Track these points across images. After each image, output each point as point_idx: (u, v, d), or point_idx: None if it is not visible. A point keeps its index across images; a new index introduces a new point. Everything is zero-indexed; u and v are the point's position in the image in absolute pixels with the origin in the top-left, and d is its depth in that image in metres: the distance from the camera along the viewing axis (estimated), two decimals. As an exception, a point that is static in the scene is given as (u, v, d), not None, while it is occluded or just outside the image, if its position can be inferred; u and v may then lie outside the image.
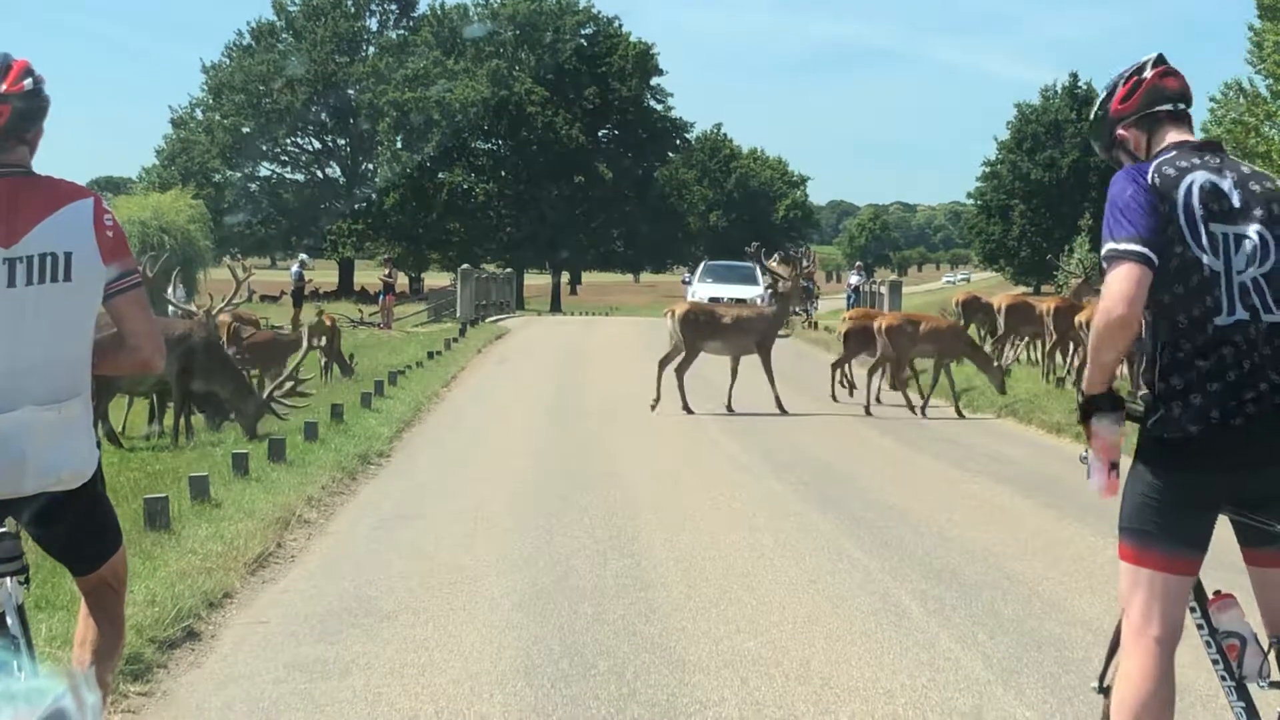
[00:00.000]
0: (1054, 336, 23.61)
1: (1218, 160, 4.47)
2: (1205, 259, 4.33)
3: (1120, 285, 4.24)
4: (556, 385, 24.01)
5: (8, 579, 4.45)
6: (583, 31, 79.79)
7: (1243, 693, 4.44)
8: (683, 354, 20.25)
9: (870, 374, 20.89)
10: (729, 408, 19.63)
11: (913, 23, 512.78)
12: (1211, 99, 43.22)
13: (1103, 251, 4.30)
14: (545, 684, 6.76)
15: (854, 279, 51.40)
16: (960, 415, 19.74)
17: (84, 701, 3.38)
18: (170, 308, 21.05)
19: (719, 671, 7.00)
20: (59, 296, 4.37)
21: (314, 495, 11.88)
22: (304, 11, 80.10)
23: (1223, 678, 4.50)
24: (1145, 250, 4.26)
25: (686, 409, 19.39)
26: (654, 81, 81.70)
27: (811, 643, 7.56)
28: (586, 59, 78.35)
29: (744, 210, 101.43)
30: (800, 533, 10.76)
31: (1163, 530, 4.34)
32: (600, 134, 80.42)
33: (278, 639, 7.61)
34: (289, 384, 17.97)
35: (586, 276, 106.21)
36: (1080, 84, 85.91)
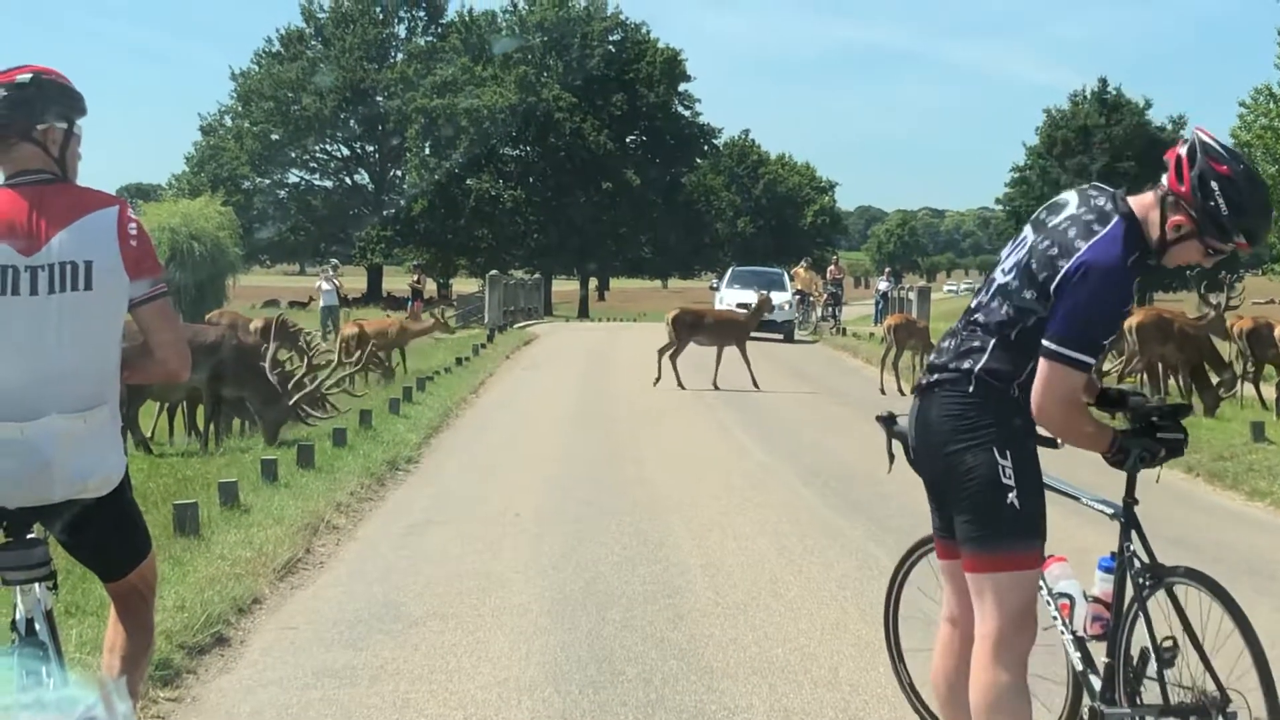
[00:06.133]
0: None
1: None
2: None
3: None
4: (584, 391, 24.00)
5: (36, 585, 4.47)
6: (610, 38, 79.71)
7: (1079, 644, 5.10)
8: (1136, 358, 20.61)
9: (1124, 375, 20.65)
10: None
11: (940, 27, 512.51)
12: (1241, 104, 43.06)
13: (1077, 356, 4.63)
14: (573, 690, 6.76)
15: (882, 285, 51.35)
16: None
17: (115, 710, 3.38)
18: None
19: (747, 678, 6.99)
20: (81, 305, 4.38)
21: (343, 501, 11.90)
22: (333, 19, 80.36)
23: (1061, 632, 5.12)
24: None
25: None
26: (682, 87, 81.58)
27: (840, 649, 7.55)
28: (614, 65, 78.32)
29: (772, 216, 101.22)
30: (828, 539, 10.74)
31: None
32: (628, 140, 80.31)
33: (306, 645, 7.63)
34: (317, 394, 18.04)
35: (614, 283, 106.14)
36: (1109, 89, 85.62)
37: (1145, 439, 4.92)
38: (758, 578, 9.31)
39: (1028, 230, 4.90)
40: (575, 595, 8.73)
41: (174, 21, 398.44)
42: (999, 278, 4.88)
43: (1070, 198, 4.87)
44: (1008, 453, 4.72)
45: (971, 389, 4.75)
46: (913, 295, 43.98)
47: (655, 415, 19.77)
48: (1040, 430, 4.84)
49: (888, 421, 5.31)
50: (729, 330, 24.91)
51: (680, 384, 23.26)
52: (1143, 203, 4.75)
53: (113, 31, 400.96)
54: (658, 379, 23.49)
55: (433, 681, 6.93)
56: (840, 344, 37.82)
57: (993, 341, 4.76)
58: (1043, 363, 4.63)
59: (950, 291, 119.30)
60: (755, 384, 23.46)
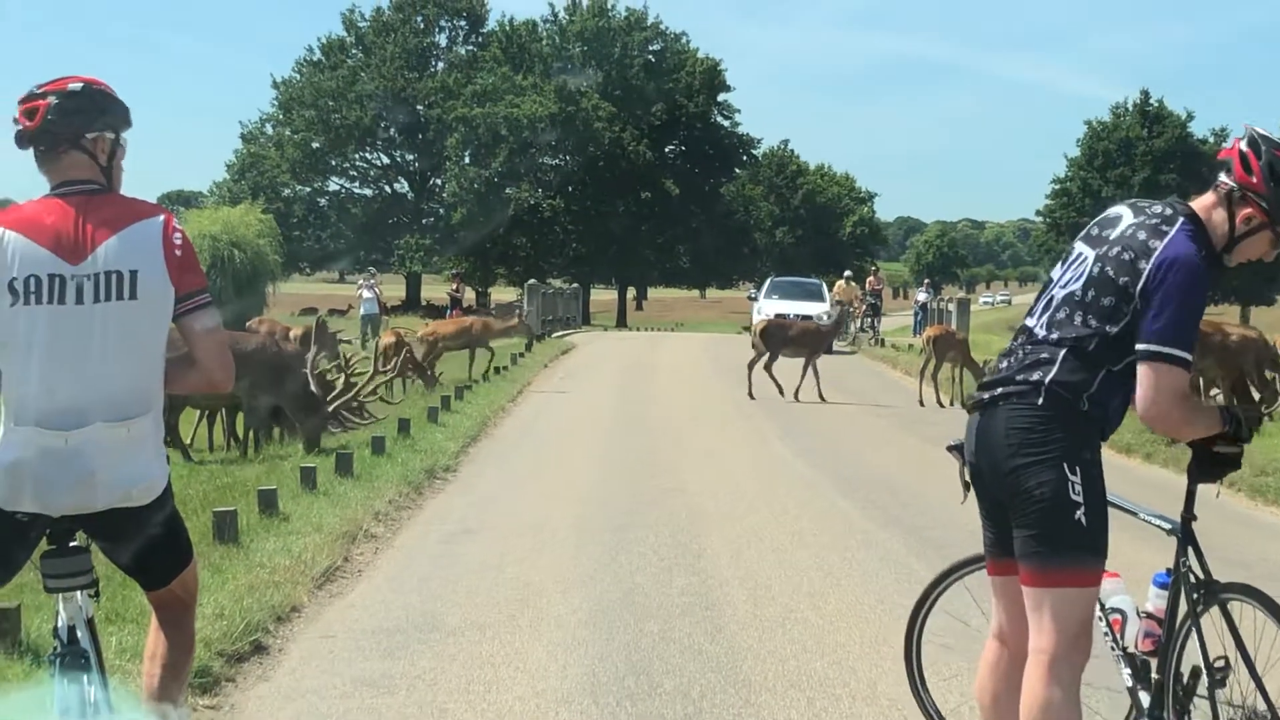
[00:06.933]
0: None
1: None
2: None
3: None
4: (622, 401, 24.00)
5: (78, 592, 4.50)
6: (650, 48, 79.77)
7: (1130, 660, 5.14)
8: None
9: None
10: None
11: (980, 38, 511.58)
12: (1286, 116, 42.77)
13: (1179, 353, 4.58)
14: (611, 702, 6.75)
15: (921, 296, 51.15)
16: None
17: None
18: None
19: (785, 692, 6.97)
20: (126, 314, 4.40)
21: (381, 510, 11.91)
22: (374, 28, 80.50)
23: (1111, 648, 5.17)
24: None
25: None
26: (721, 97, 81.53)
27: (879, 663, 7.51)
28: (654, 75, 78.32)
29: (811, 226, 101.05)
30: (867, 551, 10.70)
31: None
32: (667, 150, 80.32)
33: (344, 654, 7.64)
34: (357, 403, 18.08)
35: (652, 292, 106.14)
36: (1151, 102, 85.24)
37: (1240, 407, 4.92)
38: (796, 590, 9.28)
39: (1081, 246, 4.87)
40: (613, 606, 8.72)
41: (216, 30, 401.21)
42: (1059, 292, 4.84)
43: (1123, 210, 4.85)
44: (1077, 469, 4.66)
45: (1041, 401, 4.70)
46: (952, 307, 43.82)
47: (693, 426, 19.75)
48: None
49: (961, 451, 5.17)
50: (812, 340, 25.29)
51: (750, 394, 23.50)
52: (1203, 204, 4.77)
53: (155, 40, 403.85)
54: (750, 391, 23.77)
55: (470, 692, 6.92)
56: (879, 355, 37.72)
57: (1063, 353, 4.72)
58: (1145, 368, 4.58)
59: (986, 303, 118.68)
60: (796, 395, 23.55)
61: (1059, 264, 4.98)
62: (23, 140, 4.53)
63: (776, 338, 24.79)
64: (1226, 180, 4.73)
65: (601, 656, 7.57)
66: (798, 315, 38.73)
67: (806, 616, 8.56)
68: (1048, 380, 4.71)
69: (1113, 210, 4.92)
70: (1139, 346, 4.59)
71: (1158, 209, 4.76)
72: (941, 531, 11.53)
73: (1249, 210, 4.69)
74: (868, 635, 8.12)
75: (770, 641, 7.95)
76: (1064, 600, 4.69)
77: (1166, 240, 4.62)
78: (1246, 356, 20.65)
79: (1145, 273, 4.59)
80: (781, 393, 23.43)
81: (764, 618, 8.51)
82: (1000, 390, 4.82)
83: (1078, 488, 4.65)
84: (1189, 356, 4.59)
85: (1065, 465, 4.65)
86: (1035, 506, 4.67)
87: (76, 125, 4.52)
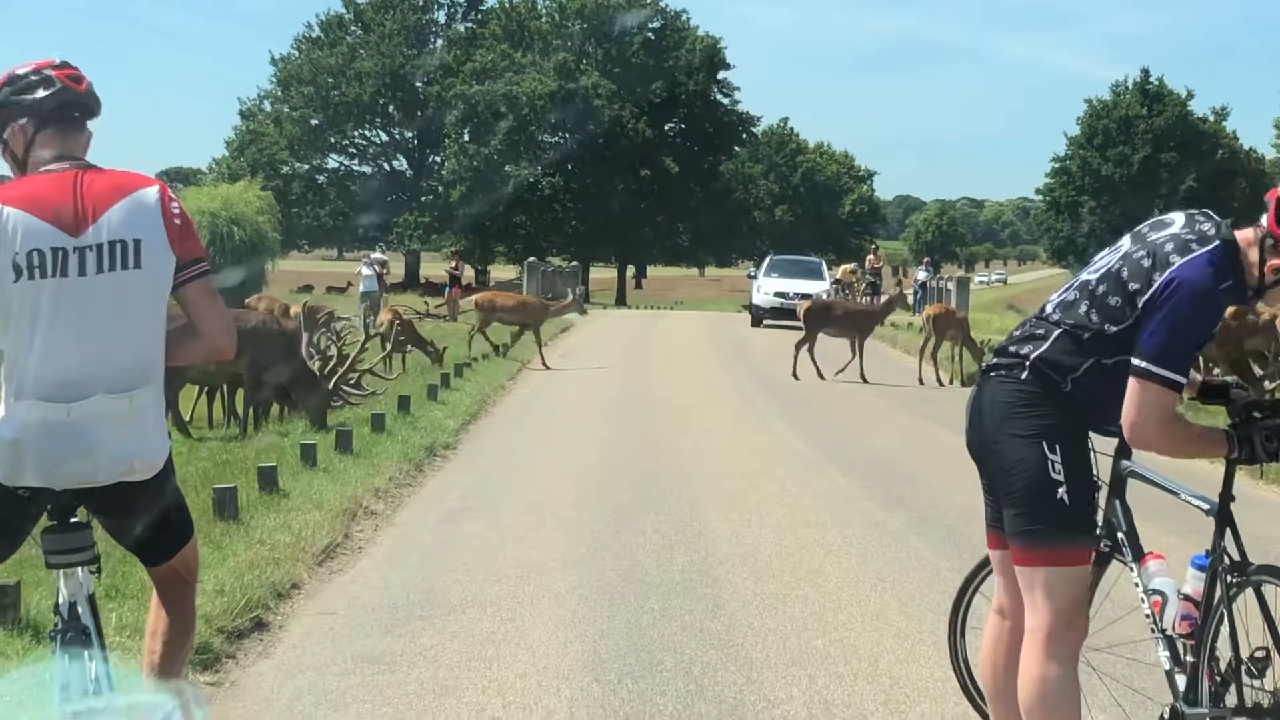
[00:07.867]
0: None
1: None
2: None
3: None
4: (622, 379, 23.98)
5: (79, 569, 4.47)
6: (650, 25, 79.62)
7: (1169, 643, 4.97)
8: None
9: None
10: None
11: (981, 17, 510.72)
12: (1285, 95, 42.66)
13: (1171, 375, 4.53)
14: (612, 679, 6.75)
15: (921, 274, 51.11)
16: None
17: (193, 717, 3.37)
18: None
19: (787, 669, 6.97)
20: (130, 284, 4.39)
21: (381, 487, 11.91)
22: (373, 4, 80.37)
23: (1151, 630, 5.04)
24: None
25: None
26: (721, 75, 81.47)
27: (880, 641, 7.52)
28: (654, 52, 78.19)
29: (810, 205, 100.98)
30: (867, 530, 10.70)
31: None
32: (667, 128, 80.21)
33: (345, 630, 7.63)
34: (354, 375, 18.06)
35: (651, 270, 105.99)
36: (1151, 80, 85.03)
37: (1261, 422, 4.79)
38: (797, 568, 9.28)
39: (1126, 239, 4.84)
40: (613, 584, 8.72)
41: (214, 6, 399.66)
42: (1082, 275, 4.85)
43: (1177, 218, 4.78)
44: (1056, 447, 4.66)
45: (1025, 376, 4.72)
46: (951, 285, 43.80)
47: (693, 405, 19.75)
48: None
49: None
50: (857, 322, 25.28)
51: (820, 375, 23.62)
52: (1245, 237, 4.65)
53: (153, 16, 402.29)
54: (795, 372, 23.90)
55: (471, 669, 6.92)
56: (878, 333, 37.55)
57: (1057, 333, 4.72)
58: (1134, 383, 4.54)
59: (982, 282, 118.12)
60: (864, 378, 23.74)
61: (1107, 249, 4.93)
62: (63, 102, 4.54)
63: (819, 318, 24.68)
64: (1264, 224, 4.61)
65: (602, 634, 7.57)
66: (797, 294, 38.75)
67: (807, 594, 8.56)
68: (1034, 356, 4.72)
69: (1169, 215, 4.84)
70: (1134, 361, 4.55)
71: (1204, 227, 4.66)
72: (943, 511, 11.54)
73: (1277, 261, 4.59)
74: (868, 612, 8.12)
75: (771, 619, 7.95)
76: (1054, 578, 4.69)
77: (1187, 259, 4.55)
78: (1270, 336, 20.60)
79: (1155, 285, 4.56)
80: (795, 374, 23.42)
81: (765, 595, 8.51)
82: (995, 361, 4.87)
83: (1058, 466, 4.65)
84: (1182, 380, 4.55)
85: (1044, 443, 4.67)
86: (1017, 484, 4.70)
87: (93, 105, 4.63)
